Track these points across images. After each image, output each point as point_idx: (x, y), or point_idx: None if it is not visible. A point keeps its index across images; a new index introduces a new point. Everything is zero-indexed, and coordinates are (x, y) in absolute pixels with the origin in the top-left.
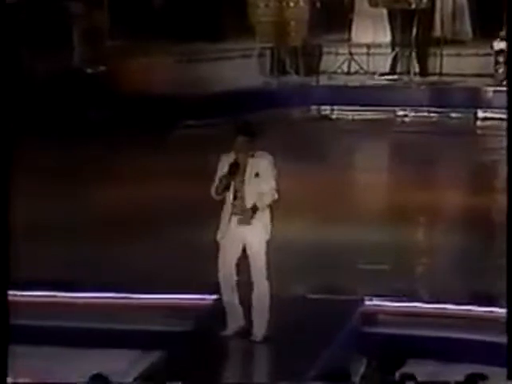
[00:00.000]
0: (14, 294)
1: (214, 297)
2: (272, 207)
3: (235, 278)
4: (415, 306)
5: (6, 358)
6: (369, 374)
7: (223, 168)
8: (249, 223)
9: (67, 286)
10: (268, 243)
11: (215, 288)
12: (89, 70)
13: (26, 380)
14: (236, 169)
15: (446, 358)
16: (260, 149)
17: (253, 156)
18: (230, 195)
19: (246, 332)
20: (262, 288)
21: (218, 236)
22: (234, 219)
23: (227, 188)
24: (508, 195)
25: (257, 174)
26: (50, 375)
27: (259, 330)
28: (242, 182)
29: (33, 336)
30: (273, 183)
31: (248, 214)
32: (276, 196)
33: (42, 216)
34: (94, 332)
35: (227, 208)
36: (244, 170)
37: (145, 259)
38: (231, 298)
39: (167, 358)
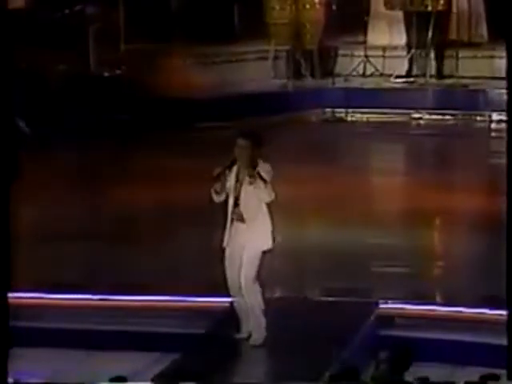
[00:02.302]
0: (24, 297)
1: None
2: (273, 214)
3: (240, 286)
4: (431, 309)
5: (6, 361)
6: (378, 376)
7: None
8: (248, 230)
9: (79, 288)
10: (266, 252)
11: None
12: (105, 73)
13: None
14: (228, 174)
15: (460, 361)
16: (272, 151)
17: (254, 166)
18: (230, 202)
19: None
20: (251, 295)
21: (224, 243)
22: (235, 226)
23: (224, 189)
24: (508, 196)
25: (251, 183)
26: (61, 378)
27: (256, 334)
28: (241, 188)
29: (46, 338)
30: (270, 192)
31: (247, 222)
32: (272, 197)
33: (54, 218)
34: (107, 334)
35: (228, 215)
36: (244, 178)
37: (160, 261)
38: (241, 303)
39: (181, 362)
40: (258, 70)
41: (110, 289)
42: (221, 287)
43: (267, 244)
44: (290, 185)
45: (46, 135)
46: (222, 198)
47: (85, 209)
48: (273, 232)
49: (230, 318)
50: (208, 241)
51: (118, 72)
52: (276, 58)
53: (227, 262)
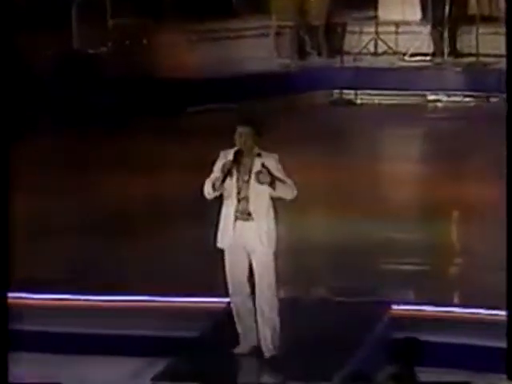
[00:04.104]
0: (17, 296)
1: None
2: (277, 211)
3: (248, 290)
4: (448, 311)
5: (7, 364)
6: (388, 379)
7: (220, 167)
8: (254, 230)
9: (71, 287)
10: (275, 252)
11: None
12: (90, 51)
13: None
14: (234, 167)
15: (479, 368)
16: (275, 138)
17: (259, 155)
18: (232, 198)
19: (258, 351)
20: (269, 306)
21: (220, 243)
22: (238, 224)
23: (223, 186)
24: (507, 195)
25: (259, 173)
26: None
27: (267, 347)
28: (247, 183)
29: (35, 342)
30: (289, 181)
31: (255, 220)
32: (295, 193)
33: (44, 211)
34: (98, 338)
35: (228, 212)
36: (249, 170)
37: (153, 258)
38: (243, 315)
39: (174, 366)
40: (258, 48)
41: (98, 288)
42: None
43: (274, 243)
44: (292, 174)
45: (30, 119)
46: (217, 194)
47: (72, 200)
48: (276, 230)
49: (227, 319)
50: (203, 234)
51: (103, 50)
52: (278, 34)
53: (229, 266)
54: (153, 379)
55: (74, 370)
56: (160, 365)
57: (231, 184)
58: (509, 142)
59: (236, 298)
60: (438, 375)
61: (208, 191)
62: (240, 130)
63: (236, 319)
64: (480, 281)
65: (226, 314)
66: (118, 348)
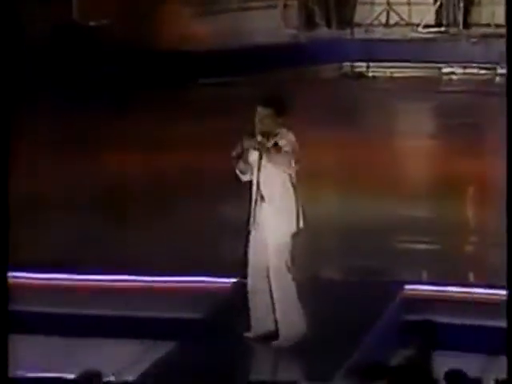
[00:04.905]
0: (15, 276)
1: (233, 280)
2: (298, 193)
3: (265, 273)
4: (461, 291)
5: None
6: (405, 364)
7: (239, 149)
8: (270, 211)
9: (71, 267)
10: (294, 236)
11: (233, 269)
12: (91, 23)
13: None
14: (252, 147)
15: (495, 351)
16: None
17: (276, 135)
18: (254, 179)
19: (273, 336)
20: (281, 287)
21: (249, 225)
22: (257, 206)
23: (247, 166)
24: (507, 191)
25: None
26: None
27: (283, 335)
28: (262, 163)
29: (35, 324)
30: (289, 164)
31: (267, 201)
32: (290, 168)
33: (42, 189)
34: (102, 320)
35: (251, 193)
36: (265, 151)
37: (155, 238)
38: (262, 295)
39: (180, 349)
40: (265, 20)
41: (98, 267)
42: (222, 266)
43: (292, 225)
44: (303, 150)
45: (30, 93)
46: (249, 175)
47: (72, 176)
48: (298, 212)
49: (234, 300)
50: (210, 213)
51: (105, 22)
52: (286, 5)
53: (251, 246)
54: (154, 365)
55: (74, 352)
56: (162, 348)
57: (254, 165)
58: (509, 144)
59: (253, 280)
60: (454, 359)
61: (240, 175)
62: (258, 110)
63: (251, 303)
64: (499, 260)
65: (230, 295)
66: (119, 330)
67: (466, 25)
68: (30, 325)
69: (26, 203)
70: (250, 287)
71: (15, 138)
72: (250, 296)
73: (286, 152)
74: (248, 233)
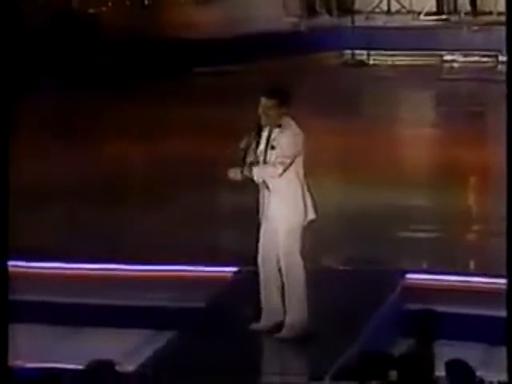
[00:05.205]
0: (15, 265)
1: (234, 269)
2: (304, 184)
3: (275, 263)
4: (463, 280)
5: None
6: (407, 354)
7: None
8: (276, 201)
9: (68, 256)
10: (305, 226)
11: (233, 259)
12: (90, 11)
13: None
14: (256, 138)
15: (496, 341)
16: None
17: (279, 127)
18: None
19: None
20: (290, 276)
21: (259, 214)
22: (266, 196)
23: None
24: (508, 179)
25: (272, 147)
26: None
27: (288, 327)
28: (265, 154)
29: (33, 313)
30: (282, 159)
31: (272, 191)
32: (280, 171)
33: (40, 178)
34: (102, 309)
35: (261, 183)
36: (268, 142)
37: (154, 226)
38: (270, 288)
39: (180, 339)
40: (266, 8)
41: (98, 256)
42: (223, 255)
43: (300, 215)
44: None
45: (30, 81)
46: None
47: (69, 165)
48: (306, 202)
49: (235, 289)
50: (211, 202)
51: (103, 9)
52: None
53: (261, 234)
54: (154, 357)
55: (74, 342)
56: (164, 338)
57: (258, 155)
58: (509, 143)
59: (264, 268)
60: (455, 349)
61: (246, 170)
62: (262, 101)
63: (262, 294)
64: (500, 249)
65: (232, 284)
66: (119, 319)
67: (468, 12)
68: (27, 314)
69: (24, 192)
70: (262, 280)
71: (14, 126)
72: (261, 288)
73: (280, 163)
74: (259, 225)
